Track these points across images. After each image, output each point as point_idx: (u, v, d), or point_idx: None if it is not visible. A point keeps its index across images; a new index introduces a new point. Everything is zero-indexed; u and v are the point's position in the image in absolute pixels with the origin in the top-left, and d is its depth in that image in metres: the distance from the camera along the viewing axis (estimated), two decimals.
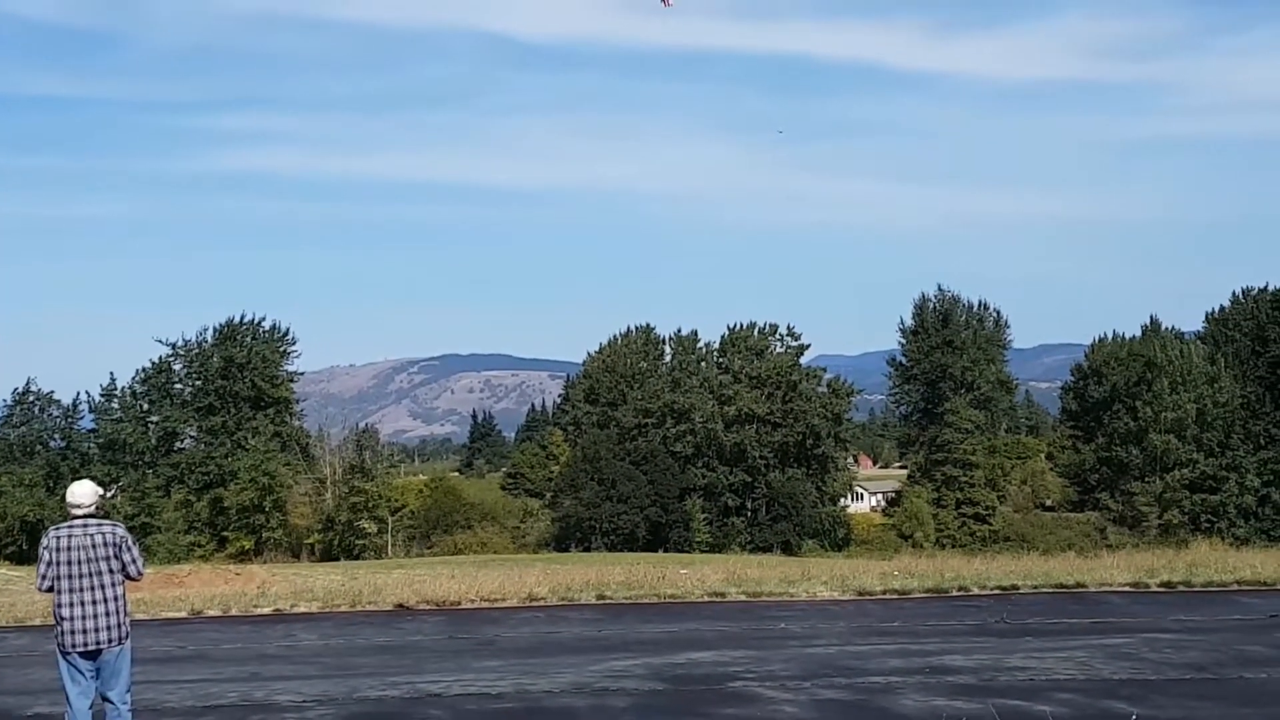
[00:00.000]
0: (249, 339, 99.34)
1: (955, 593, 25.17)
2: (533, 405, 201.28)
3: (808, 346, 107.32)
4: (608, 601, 24.91)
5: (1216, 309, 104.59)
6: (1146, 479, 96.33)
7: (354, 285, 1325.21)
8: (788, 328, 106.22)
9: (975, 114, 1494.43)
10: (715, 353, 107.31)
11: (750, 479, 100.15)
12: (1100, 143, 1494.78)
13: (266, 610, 24.62)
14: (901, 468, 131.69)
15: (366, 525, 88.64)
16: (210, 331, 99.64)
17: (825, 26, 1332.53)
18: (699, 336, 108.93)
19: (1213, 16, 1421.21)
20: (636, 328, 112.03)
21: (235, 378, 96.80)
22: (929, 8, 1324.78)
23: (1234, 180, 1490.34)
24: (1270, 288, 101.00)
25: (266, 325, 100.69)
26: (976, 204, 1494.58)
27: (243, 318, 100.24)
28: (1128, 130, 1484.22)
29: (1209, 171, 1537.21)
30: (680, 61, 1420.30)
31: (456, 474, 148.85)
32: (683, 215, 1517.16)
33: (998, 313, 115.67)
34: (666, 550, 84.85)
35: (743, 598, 24.98)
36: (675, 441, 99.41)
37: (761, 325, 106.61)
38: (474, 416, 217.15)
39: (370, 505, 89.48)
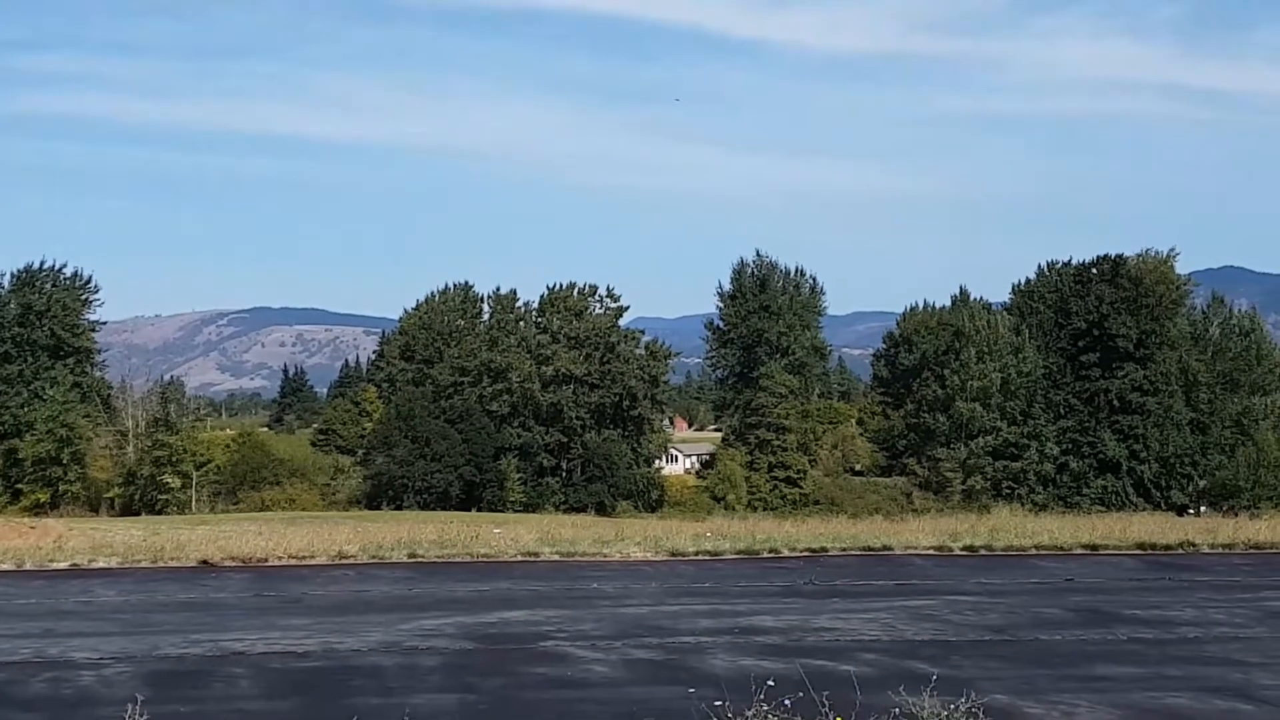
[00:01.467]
0: (49, 286, 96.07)
1: (766, 554, 25.57)
2: (346, 361, 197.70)
3: (627, 308, 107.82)
4: (419, 560, 24.68)
5: (1022, 281, 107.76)
6: (952, 445, 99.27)
7: (161, 234, 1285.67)
8: (607, 289, 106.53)
9: (799, 83, 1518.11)
10: (534, 312, 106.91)
11: (566, 439, 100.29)
12: (918, 116, 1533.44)
13: (63, 565, 23.78)
14: (716, 430, 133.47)
15: (170, 480, 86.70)
16: (7, 278, 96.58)
17: None
18: (518, 296, 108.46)
19: None
20: (455, 285, 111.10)
21: (33, 325, 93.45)
22: None
23: (1042, 157, 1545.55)
24: (1073, 261, 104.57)
25: (68, 272, 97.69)
26: (797, 172, 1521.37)
27: (42, 264, 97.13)
28: (945, 105, 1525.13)
29: (1019, 148, 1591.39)
30: (507, 18, 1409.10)
31: (266, 429, 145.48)
32: (504, 174, 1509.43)
33: (814, 279, 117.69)
34: (480, 509, 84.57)
35: (556, 557, 24.99)
36: (491, 400, 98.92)
37: (581, 286, 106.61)
38: (285, 371, 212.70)
39: (174, 459, 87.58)
